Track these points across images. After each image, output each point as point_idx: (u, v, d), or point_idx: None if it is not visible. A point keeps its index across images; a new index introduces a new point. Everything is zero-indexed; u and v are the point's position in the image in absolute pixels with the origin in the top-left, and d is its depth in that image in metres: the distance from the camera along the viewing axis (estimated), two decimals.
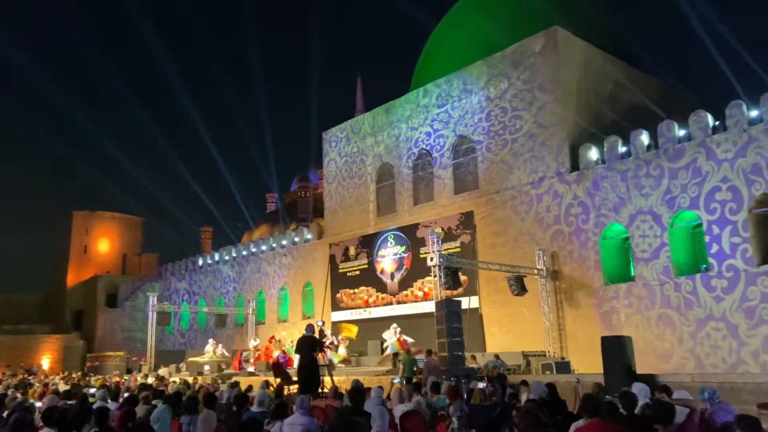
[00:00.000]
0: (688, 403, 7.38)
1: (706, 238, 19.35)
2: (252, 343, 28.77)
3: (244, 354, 27.59)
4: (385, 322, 26.47)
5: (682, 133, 20.46)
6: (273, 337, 27.74)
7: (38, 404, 12.30)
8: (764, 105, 18.53)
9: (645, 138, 21.33)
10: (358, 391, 8.37)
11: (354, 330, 25.82)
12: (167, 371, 25.73)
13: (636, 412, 7.34)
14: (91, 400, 11.83)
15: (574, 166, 23.05)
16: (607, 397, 9.56)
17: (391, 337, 22.34)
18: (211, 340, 30.14)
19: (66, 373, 29.25)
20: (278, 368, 16.49)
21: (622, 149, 21.85)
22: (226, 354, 29.43)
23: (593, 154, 22.60)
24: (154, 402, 10.39)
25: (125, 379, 23.90)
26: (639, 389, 8.20)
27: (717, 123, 19.67)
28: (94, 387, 18.67)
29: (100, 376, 25.83)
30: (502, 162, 25.42)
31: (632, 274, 21.46)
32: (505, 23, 27.83)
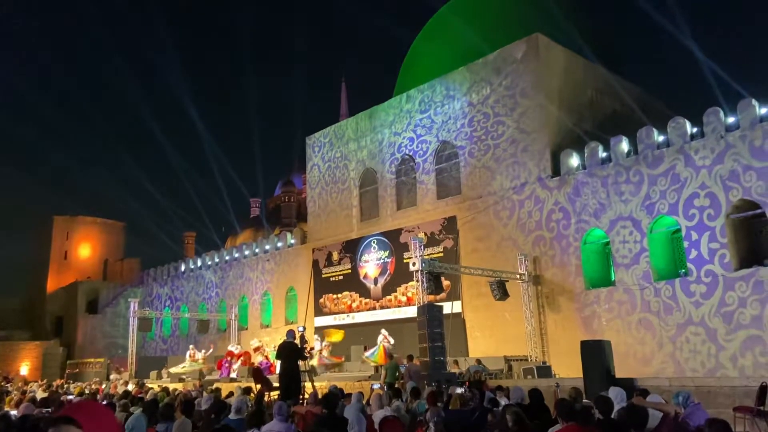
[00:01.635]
0: (662, 407, 7.45)
1: (685, 244, 19.57)
2: (232, 348, 28.60)
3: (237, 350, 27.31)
4: (368, 327, 26.47)
5: (661, 139, 20.70)
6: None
7: (14, 412, 12.14)
8: (741, 112, 18.82)
9: (625, 144, 21.56)
10: (333, 397, 8.34)
11: (339, 334, 25.75)
12: (116, 377, 26.03)
13: (613, 416, 7.40)
14: None
15: (556, 171, 23.22)
16: (585, 401, 9.64)
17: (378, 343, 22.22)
18: (191, 347, 29.88)
19: (44, 381, 28.82)
20: (258, 374, 16.39)
21: (603, 155, 22.06)
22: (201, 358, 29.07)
23: (574, 160, 22.79)
24: (131, 409, 10.28)
25: (105, 385, 23.70)
26: (615, 393, 8.26)
27: (695, 130, 19.93)
28: (72, 394, 18.46)
29: (79, 383, 25.53)
30: (485, 167, 25.55)
31: (613, 278, 21.63)
32: (487, 30, 28.04)
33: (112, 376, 27.27)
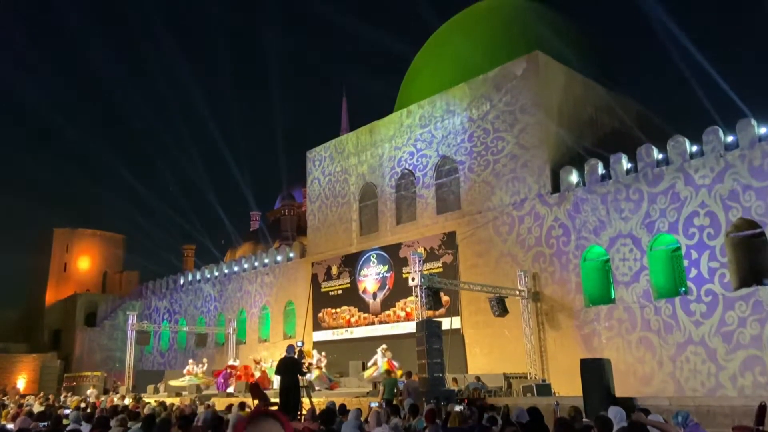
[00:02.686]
0: (662, 427, 7.41)
1: (685, 263, 19.55)
2: (231, 362, 28.46)
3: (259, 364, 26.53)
4: (367, 342, 26.36)
5: (660, 157, 20.78)
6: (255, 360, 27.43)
7: (10, 426, 12.08)
8: (740, 131, 18.89)
9: (624, 162, 21.62)
10: (330, 413, 8.32)
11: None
12: (93, 391, 26.17)
13: None
14: (65, 422, 11.62)
15: (555, 188, 23.26)
16: (584, 420, 9.59)
17: (380, 358, 22.08)
18: (191, 361, 29.74)
19: (41, 394, 28.66)
20: (256, 390, 16.30)
21: (602, 172, 22.12)
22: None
23: (574, 176, 22.84)
24: (129, 424, 10.22)
25: (102, 400, 23.57)
26: (615, 413, 8.21)
27: (695, 149, 20.00)
28: (69, 408, 18.35)
29: (76, 397, 25.38)
30: (485, 182, 25.60)
31: (613, 296, 21.59)
32: (487, 47, 28.26)
33: (89, 391, 27.28)
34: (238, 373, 26.55)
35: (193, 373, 27.81)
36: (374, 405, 14.38)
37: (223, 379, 26.47)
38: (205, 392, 25.47)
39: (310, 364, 22.78)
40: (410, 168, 28.81)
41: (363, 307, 29.30)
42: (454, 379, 19.55)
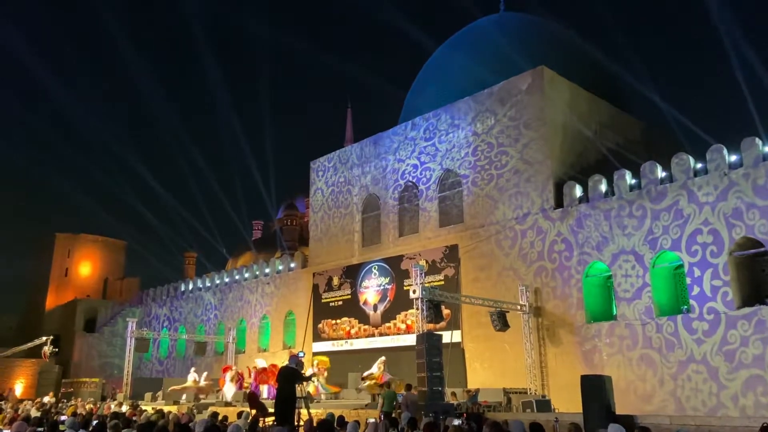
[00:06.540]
0: None
1: (688, 280, 19.47)
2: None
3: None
4: (366, 354, 26.23)
5: (664, 174, 20.76)
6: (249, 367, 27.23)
7: (7, 431, 12.04)
8: (744, 150, 18.87)
9: (628, 178, 21.60)
10: (328, 424, 8.26)
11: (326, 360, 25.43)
12: (51, 400, 26.31)
13: None
14: (61, 428, 11.57)
15: (558, 203, 23.23)
16: None
17: (374, 369, 22.07)
18: (192, 369, 29.58)
19: (38, 399, 28.56)
20: (253, 399, 16.22)
21: (606, 188, 22.10)
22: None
23: (577, 192, 22.82)
24: (125, 431, 10.17)
25: (99, 407, 23.48)
26: (615, 431, 8.15)
27: (699, 166, 19.97)
28: (65, 414, 18.26)
29: (72, 403, 25.27)
30: (488, 197, 25.58)
31: (614, 313, 21.49)
32: (493, 61, 28.33)
33: (46, 399, 27.41)
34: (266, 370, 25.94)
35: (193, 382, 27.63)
36: (371, 421, 14.27)
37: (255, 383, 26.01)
38: (203, 401, 25.34)
39: (313, 373, 22.64)
40: (414, 180, 28.83)
41: (363, 318, 29.21)
42: (453, 393, 19.43)
